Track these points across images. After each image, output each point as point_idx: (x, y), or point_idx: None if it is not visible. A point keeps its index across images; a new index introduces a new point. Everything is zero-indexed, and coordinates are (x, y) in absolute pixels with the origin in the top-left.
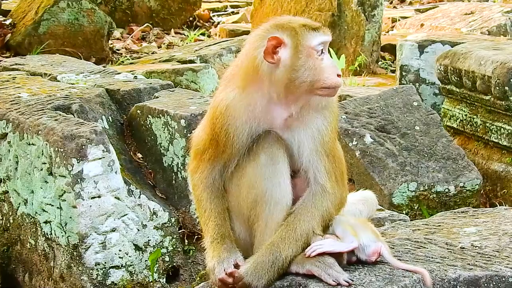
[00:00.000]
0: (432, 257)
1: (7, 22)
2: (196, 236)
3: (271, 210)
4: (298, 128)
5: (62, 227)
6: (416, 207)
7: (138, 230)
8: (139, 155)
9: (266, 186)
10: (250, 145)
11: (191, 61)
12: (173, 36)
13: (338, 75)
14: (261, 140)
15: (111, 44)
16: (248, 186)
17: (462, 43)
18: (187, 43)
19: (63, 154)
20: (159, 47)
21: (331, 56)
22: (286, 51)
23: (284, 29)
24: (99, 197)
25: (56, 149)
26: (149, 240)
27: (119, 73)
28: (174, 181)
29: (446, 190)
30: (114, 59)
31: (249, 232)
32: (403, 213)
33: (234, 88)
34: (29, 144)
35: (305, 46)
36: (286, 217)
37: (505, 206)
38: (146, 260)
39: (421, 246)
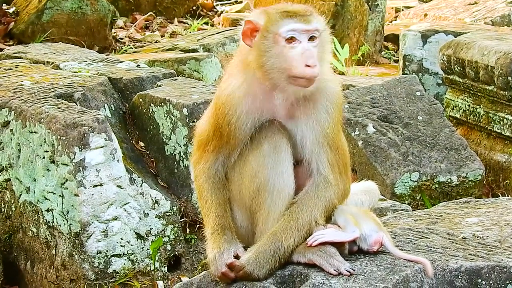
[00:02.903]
0: (433, 247)
1: (11, 11)
2: (197, 225)
3: (273, 199)
4: (300, 118)
5: (64, 215)
6: (418, 197)
7: (140, 218)
8: (141, 144)
9: (268, 175)
10: (253, 134)
11: (194, 50)
12: (176, 25)
13: (308, 65)
14: (264, 129)
15: (114, 32)
16: (250, 175)
17: (466, 33)
18: (190, 32)
19: (65, 142)
20: (162, 36)
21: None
22: (258, 35)
23: (261, 14)
24: (101, 185)
25: (58, 137)
26: (150, 228)
27: (122, 61)
28: (176, 170)
29: (449, 180)
30: (117, 47)
31: (251, 221)
32: (405, 203)
33: (236, 77)
34: (32, 132)
35: (272, 32)
36: (288, 207)
37: (508, 196)
38: (147, 249)
39: (422, 236)
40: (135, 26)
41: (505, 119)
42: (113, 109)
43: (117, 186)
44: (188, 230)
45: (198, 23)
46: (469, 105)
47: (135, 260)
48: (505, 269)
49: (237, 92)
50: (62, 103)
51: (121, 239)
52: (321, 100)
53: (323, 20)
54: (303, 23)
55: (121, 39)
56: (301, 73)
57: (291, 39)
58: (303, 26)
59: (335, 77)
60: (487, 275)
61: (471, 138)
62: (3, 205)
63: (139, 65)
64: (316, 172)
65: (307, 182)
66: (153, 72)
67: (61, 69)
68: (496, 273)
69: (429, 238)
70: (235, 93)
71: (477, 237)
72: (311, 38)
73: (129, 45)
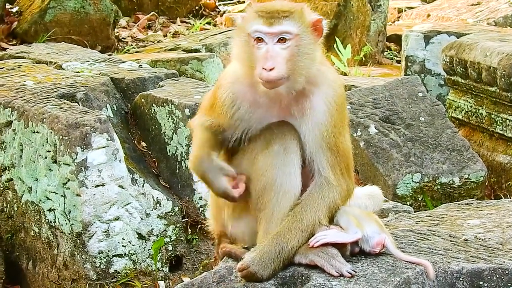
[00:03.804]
0: (435, 249)
1: (14, 10)
2: (199, 226)
3: (279, 199)
4: (300, 119)
5: (66, 215)
6: (420, 199)
7: (142, 219)
8: (143, 144)
9: (276, 174)
10: (263, 133)
11: (197, 50)
12: (178, 25)
13: (265, 68)
14: (275, 130)
15: (117, 32)
16: (258, 173)
17: (468, 34)
18: (192, 32)
19: (68, 142)
20: (165, 36)
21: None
22: (237, 33)
23: (246, 12)
24: (103, 185)
25: (61, 137)
26: (152, 229)
27: (124, 61)
28: (178, 170)
29: (451, 182)
30: (120, 47)
31: (254, 219)
32: (407, 204)
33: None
34: (34, 132)
35: (244, 31)
36: (293, 207)
37: (510, 198)
38: (149, 249)
39: (424, 238)
40: (137, 25)
41: (507, 120)
42: (115, 109)
43: (119, 186)
44: (189, 230)
45: (200, 23)
46: (471, 106)
47: (136, 260)
48: (506, 271)
49: (234, 80)
50: (65, 103)
51: (123, 239)
52: (318, 102)
53: (304, 23)
54: (266, 25)
55: (124, 38)
56: (257, 75)
57: (258, 40)
58: (266, 29)
59: (336, 78)
60: (489, 277)
61: (473, 139)
62: (5, 205)
63: (141, 65)
64: (317, 173)
65: (311, 182)
66: (155, 72)
67: (63, 69)
68: (497, 275)
69: (430, 240)
70: (232, 80)
71: (479, 239)
72: (280, 40)
73: (132, 45)
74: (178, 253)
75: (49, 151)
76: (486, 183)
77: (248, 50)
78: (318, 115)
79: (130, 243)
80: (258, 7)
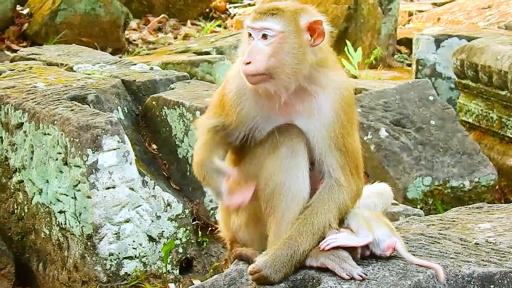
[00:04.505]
0: (446, 253)
1: (25, 12)
2: (209, 228)
3: (288, 203)
4: (308, 119)
5: (77, 217)
6: (430, 202)
7: (152, 221)
8: (154, 146)
9: (284, 178)
10: (270, 137)
11: (207, 53)
12: (189, 27)
13: (246, 63)
14: (282, 133)
15: (127, 34)
16: (266, 178)
17: (479, 37)
18: (203, 35)
19: (78, 144)
20: (175, 38)
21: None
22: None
23: None
24: (113, 187)
25: (72, 139)
26: (163, 231)
27: (135, 64)
28: (188, 173)
29: (461, 185)
30: (130, 49)
31: (263, 223)
32: (417, 208)
33: None
34: (45, 134)
35: (244, 27)
36: (302, 211)
37: None
38: (159, 251)
39: (435, 242)
40: (148, 28)
41: None
42: (126, 112)
43: (129, 188)
44: (200, 233)
45: (211, 26)
46: (482, 110)
47: (147, 263)
48: None
49: (239, 75)
50: (76, 105)
51: (133, 241)
52: (324, 103)
53: (294, 22)
54: (251, 20)
55: (134, 41)
56: (240, 68)
57: (249, 35)
58: (250, 23)
59: (343, 80)
60: (500, 281)
61: (483, 143)
62: (16, 207)
63: (152, 67)
64: (327, 174)
65: (320, 184)
66: (166, 74)
67: (74, 71)
68: (508, 279)
69: (441, 244)
70: (237, 74)
71: (490, 242)
72: (263, 36)
73: (142, 47)
74: (188, 255)
75: (60, 153)
76: (497, 187)
77: (244, 45)
78: (324, 115)
79: (141, 245)
80: (259, 5)
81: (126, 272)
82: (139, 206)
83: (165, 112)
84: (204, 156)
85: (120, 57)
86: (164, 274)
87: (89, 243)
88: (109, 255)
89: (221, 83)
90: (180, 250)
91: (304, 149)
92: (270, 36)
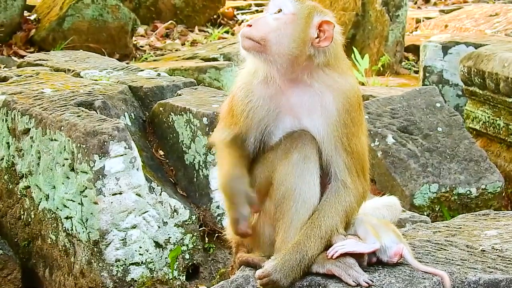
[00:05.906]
0: (452, 260)
1: (32, 18)
2: (216, 234)
3: (297, 208)
4: (312, 115)
5: (83, 223)
6: (437, 209)
7: (159, 227)
8: (161, 152)
9: (295, 183)
10: (282, 143)
11: (215, 59)
12: (197, 34)
13: (248, 25)
14: (295, 139)
15: (135, 40)
16: (277, 182)
17: (486, 44)
18: (210, 41)
19: (85, 150)
20: (183, 44)
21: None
22: None
23: None
24: (120, 193)
25: (78, 145)
26: (169, 237)
27: (142, 70)
28: (195, 179)
29: (468, 192)
30: (138, 55)
31: (271, 228)
32: (424, 215)
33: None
34: (52, 140)
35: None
36: (311, 216)
37: None
38: (166, 258)
39: (441, 248)
40: (155, 34)
41: None
42: (133, 118)
43: (136, 194)
44: (206, 239)
45: (218, 32)
46: (489, 117)
47: (153, 269)
48: None
49: (246, 78)
50: (83, 111)
51: (140, 247)
52: (328, 101)
53: (308, 15)
54: None
55: (142, 47)
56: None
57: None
58: None
59: (351, 82)
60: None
61: (490, 150)
62: (22, 212)
63: (159, 73)
64: (334, 177)
65: (327, 187)
66: (173, 81)
67: (81, 77)
68: None
69: (448, 250)
70: (244, 78)
71: (496, 249)
72: (277, 11)
73: (150, 53)
74: (195, 261)
75: (66, 159)
76: (503, 194)
77: None
78: (328, 113)
79: (147, 251)
80: None
81: (132, 278)
82: (145, 212)
83: (172, 118)
84: (234, 173)
85: (128, 63)
86: (171, 280)
87: (95, 249)
88: (116, 261)
89: (228, 90)
90: (187, 256)
91: (316, 155)
92: (283, 13)
